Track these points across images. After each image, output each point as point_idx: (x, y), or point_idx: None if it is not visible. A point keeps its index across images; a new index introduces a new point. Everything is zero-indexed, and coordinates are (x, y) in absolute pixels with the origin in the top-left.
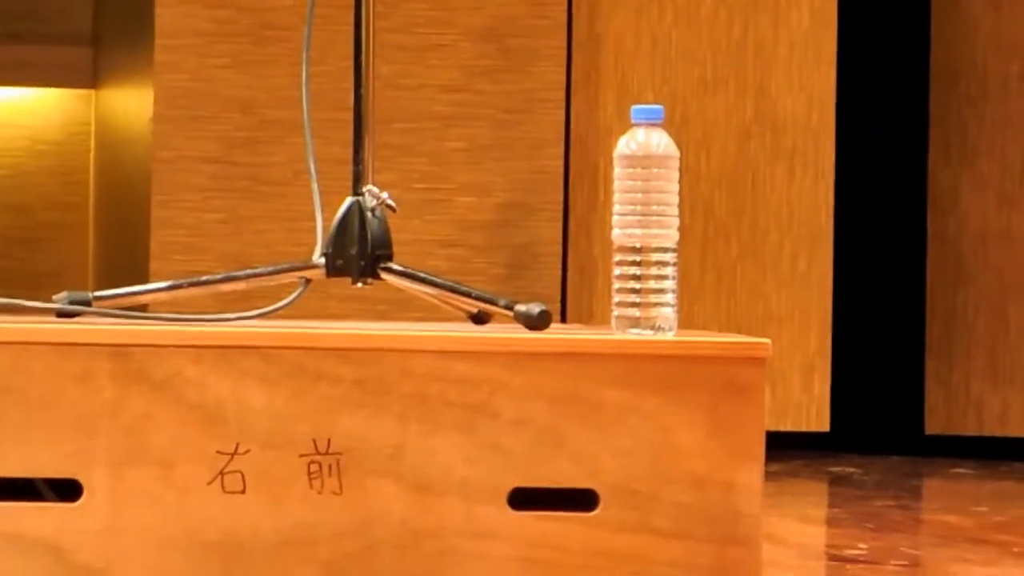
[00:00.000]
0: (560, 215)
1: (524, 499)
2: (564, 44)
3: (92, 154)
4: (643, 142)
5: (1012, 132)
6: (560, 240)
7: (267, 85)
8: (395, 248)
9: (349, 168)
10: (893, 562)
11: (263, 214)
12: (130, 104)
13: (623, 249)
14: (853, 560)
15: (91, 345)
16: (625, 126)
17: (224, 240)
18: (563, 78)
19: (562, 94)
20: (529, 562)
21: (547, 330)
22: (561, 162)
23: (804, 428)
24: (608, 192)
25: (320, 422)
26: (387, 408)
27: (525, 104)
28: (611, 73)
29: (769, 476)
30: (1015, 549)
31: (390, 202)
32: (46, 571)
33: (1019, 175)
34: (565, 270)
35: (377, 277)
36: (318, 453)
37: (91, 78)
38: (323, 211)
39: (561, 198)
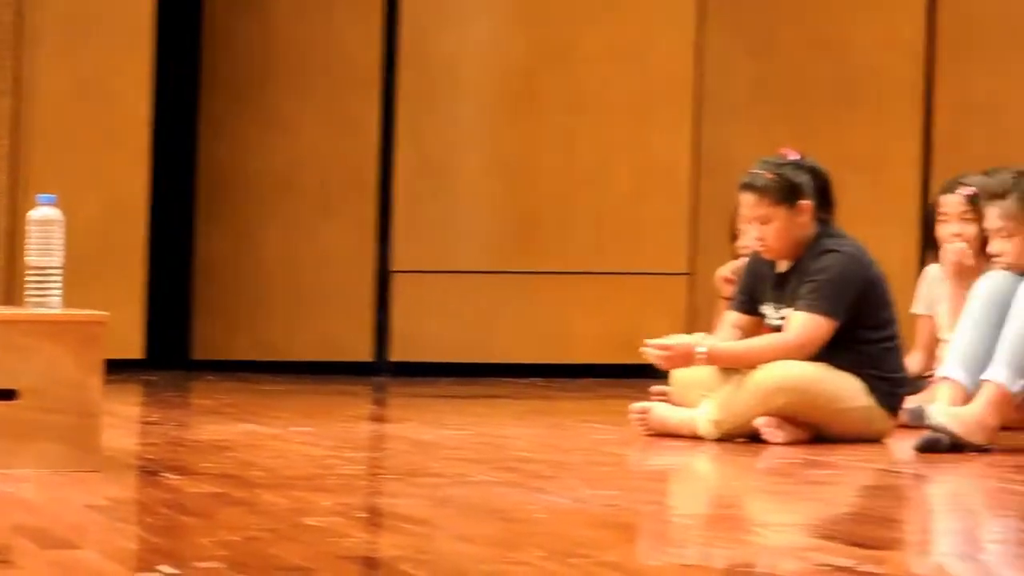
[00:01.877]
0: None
1: None
2: None
3: None
4: (41, 213)
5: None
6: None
7: None
8: None
9: None
10: (170, 424)
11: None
12: None
13: (31, 267)
14: (152, 423)
15: None
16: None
17: None
18: None
19: None
20: None
21: None
22: None
23: (129, 356)
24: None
25: None
26: None
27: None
28: None
29: (108, 381)
30: (248, 417)
31: None
32: None
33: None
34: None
35: None
36: None
37: None
38: None
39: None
